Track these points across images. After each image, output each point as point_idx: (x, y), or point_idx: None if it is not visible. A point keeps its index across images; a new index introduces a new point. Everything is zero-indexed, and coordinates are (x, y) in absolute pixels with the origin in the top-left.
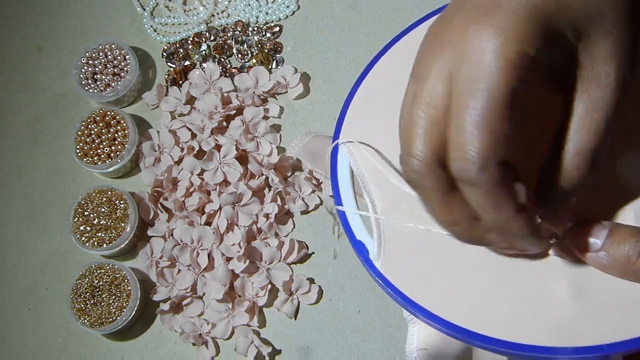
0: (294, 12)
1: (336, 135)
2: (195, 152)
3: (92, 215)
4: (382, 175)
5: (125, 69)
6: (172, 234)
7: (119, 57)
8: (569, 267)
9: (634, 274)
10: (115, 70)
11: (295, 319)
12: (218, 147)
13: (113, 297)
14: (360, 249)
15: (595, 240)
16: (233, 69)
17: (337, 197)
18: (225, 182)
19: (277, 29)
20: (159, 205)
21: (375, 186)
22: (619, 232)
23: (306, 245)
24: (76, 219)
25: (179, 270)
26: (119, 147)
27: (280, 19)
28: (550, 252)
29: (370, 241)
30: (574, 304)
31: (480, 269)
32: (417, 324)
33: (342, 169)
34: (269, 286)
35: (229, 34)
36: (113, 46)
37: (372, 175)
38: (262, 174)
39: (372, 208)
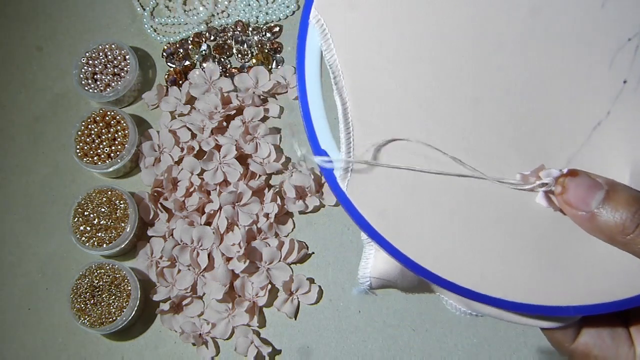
0: (294, 12)
1: (308, 5)
2: (195, 152)
3: (92, 215)
4: (363, 70)
5: (125, 69)
6: (172, 234)
7: (119, 57)
8: (550, 221)
9: (624, 244)
10: (115, 70)
11: (295, 319)
12: (218, 147)
13: (113, 297)
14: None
15: (589, 200)
16: (233, 69)
17: (301, 89)
18: (225, 182)
19: (277, 29)
20: (159, 205)
21: (351, 86)
22: (618, 195)
23: (306, 245)
24: (76, 219)
25: (179, 270)
26: (119, 147)
27: (280, 19)
28: (538, 199)
29: (336, 152)
30: (547, 261)
31: (458, 211)
32: (375, 247)
33: (312, 53)
34: (269, 286)
35: (229, 34)
36: (113, 46)
37: (348, 70)
38: (262, 174)
39: (342, 113)
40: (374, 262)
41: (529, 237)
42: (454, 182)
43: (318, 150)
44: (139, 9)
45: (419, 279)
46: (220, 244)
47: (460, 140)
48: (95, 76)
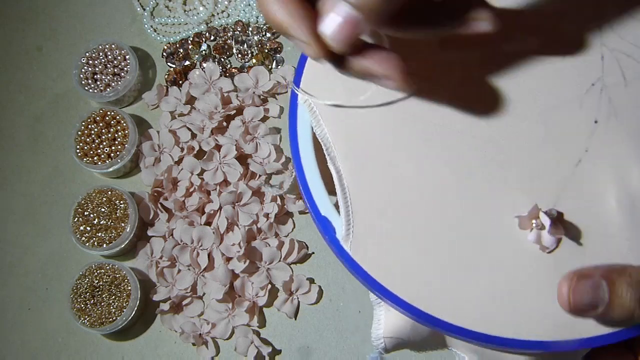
0: None
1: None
2: (195, 152)
3: (92, 215)
4: (352, 139)
5: (125, 69)
6: (172, 234)
7: (119, 57)
8: (548, 259)
9: (634, 322)
10: (115, 70)
11: (295, 319)
12: (218, 147)
13: (113, 297)
14: (325, 226)
15: (596, 303)
16: (233, 69)
17: (297, 163)
18: (225, 182)
19: None
20: (159, 205)
21: (342, 154)
22: (617, 285)
23: (306, 245)
24: (76, 219)
25: (179, 270)
26: (119, 147)
27: None
28: (530, 237)
29: (336, 218)
30: (550, 298)
31: (456, 257)
32: (385, 307)
33: (304, 128)
34: (269, 286)
35: (229, 34)
36: (113, 46)
37: (338, 140)
38: (262, 174)
39: (337, 179)
40: (385, 322)
41: (532, 278)
42: (454, 230)
43: (319, 218)
44: (139, 9)
45: (430, 331)
46: (220, 244)
47: (454, 185)
48: (95, 76)
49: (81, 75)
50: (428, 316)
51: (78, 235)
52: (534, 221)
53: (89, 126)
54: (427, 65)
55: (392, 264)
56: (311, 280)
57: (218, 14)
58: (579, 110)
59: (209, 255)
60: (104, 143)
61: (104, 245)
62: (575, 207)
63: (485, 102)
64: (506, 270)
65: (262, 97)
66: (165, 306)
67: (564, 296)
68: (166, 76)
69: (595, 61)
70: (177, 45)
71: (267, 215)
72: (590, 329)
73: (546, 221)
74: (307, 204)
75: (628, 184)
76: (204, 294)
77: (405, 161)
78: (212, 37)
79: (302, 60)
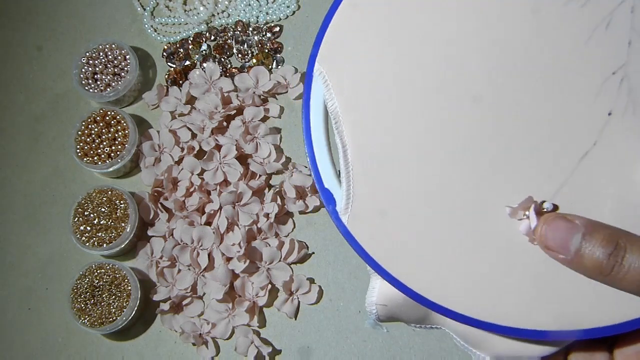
0: (294, 12)
1: (312, 60)
2: (195, 152)
3: (92, 215)
4: (361, 116)
5: (126, 68)
6: (172, 234)
7: (119, 57)
8: (539, 250)
9: (604, 281)
10: (115, 70)
11: (295, 319)
12: (218, 147)
13: (113, 297)
14: (327, 197)
15: (567, 244)
16: (233, 69)
17: (307, 134)
18: (226, 182)
19: (277, 29)
20: (159, 205)
21: (350, 130)
22: (594, 237)
23: (306, 245)
24: (76, 218)
25: (179, 270)
26: (119, 147)
27: (280, 19)
28: (520, 228)
29: (339, 190)
30: (537, 288)
31: (451, 240)
32: (380, 278)
33: (317, 99)
34: (269, 286)
35: (229, 34)
36: (113, 46)
37: (348, 115)
38: (262, 174)
39: (342, 154)
40: (379, 291)
41: (522, 267)
42: (448, 216)
43: (322, 189)
44: (139, 9)
45: (421, 307)
46: (220, 244)
47: (452, 172)
48: (95, 76)
49: (81, 75)
50: (415, 294)
51: (78, 235)
52: (526, 212)
53: (89, 126)
54: (445, 48)
55: (386, 241)
56: (311, 280)
57: (218, 14)
58: (594, 99)
59: (209, 255)
60: (104, 143)
61: (104, 245)
62: (572, 202)
63: (499, 82)
64: (497, 257)
65: (262, 97)
66: (165, 306)
67: (538, 229)
68: (166, 76)
69: (621, 46)
70: (177, 45)
71: (267, 215)
72: (573, 322)
73: (533, 217)
74: (313, 174)
75: (629, 186)
76: (204, 294)
77: (410, 146)
78: (212, 37)
79: (322, 31)
